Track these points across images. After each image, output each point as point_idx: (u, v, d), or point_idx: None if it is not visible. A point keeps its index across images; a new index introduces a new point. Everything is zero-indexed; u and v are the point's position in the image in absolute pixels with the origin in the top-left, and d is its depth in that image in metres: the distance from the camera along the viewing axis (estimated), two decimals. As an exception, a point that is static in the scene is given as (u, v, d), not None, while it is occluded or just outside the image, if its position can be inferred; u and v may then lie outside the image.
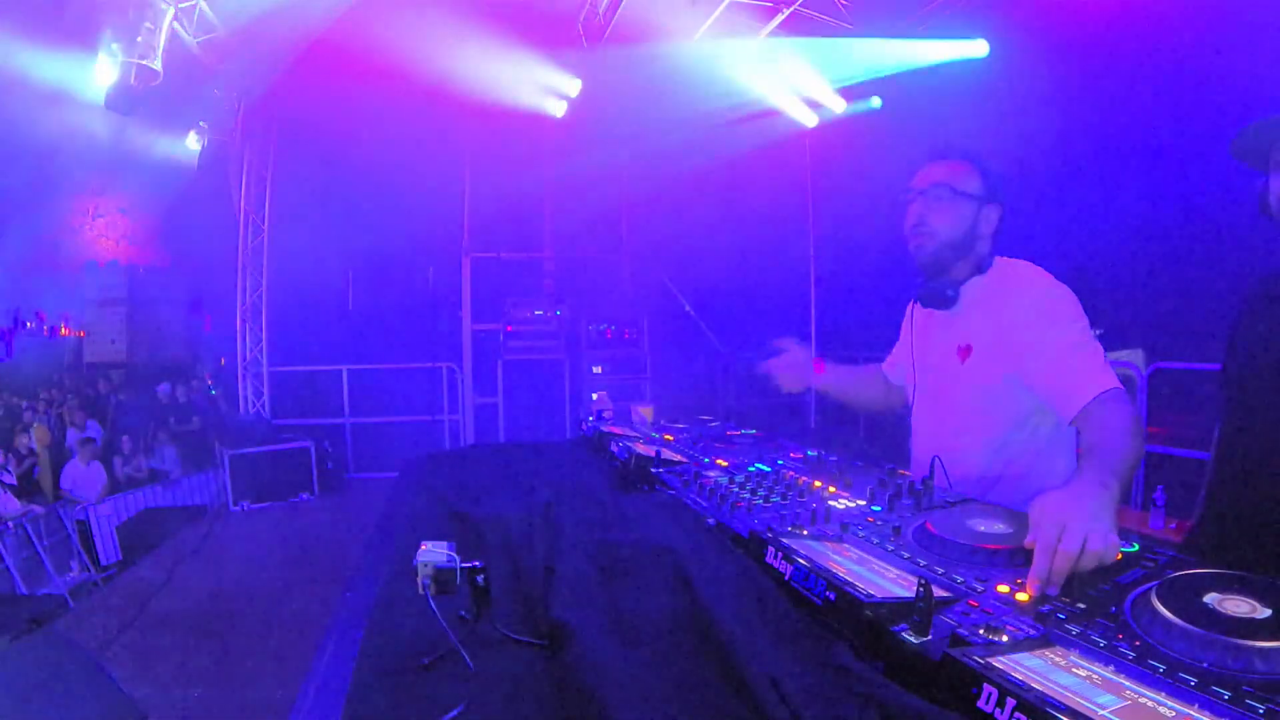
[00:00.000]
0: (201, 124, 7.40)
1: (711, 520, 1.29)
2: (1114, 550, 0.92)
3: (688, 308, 8.30)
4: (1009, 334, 1.49)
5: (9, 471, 6.37)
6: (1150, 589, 0.82)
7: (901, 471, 1.57)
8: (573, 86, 7.57)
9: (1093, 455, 1.24)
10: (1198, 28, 4.02)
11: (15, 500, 6.09)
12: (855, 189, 6.81)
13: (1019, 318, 1.47)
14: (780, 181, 8.47)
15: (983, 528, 1.08)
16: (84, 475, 6.88)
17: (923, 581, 0.80)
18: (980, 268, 1.61)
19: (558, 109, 7.83)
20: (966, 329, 1.59)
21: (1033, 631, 0.78)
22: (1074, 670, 0.69)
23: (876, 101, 7.21)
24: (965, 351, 1.58)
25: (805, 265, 8.74)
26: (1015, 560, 0.99)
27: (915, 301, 1.73)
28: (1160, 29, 4.22)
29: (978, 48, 5.65)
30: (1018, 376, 1.49)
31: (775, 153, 8.47)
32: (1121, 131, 4.51)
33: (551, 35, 6.96)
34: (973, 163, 1.61)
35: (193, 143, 7.43)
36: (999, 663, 0.69)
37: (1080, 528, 0.92)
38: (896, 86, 6.60)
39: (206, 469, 7.89)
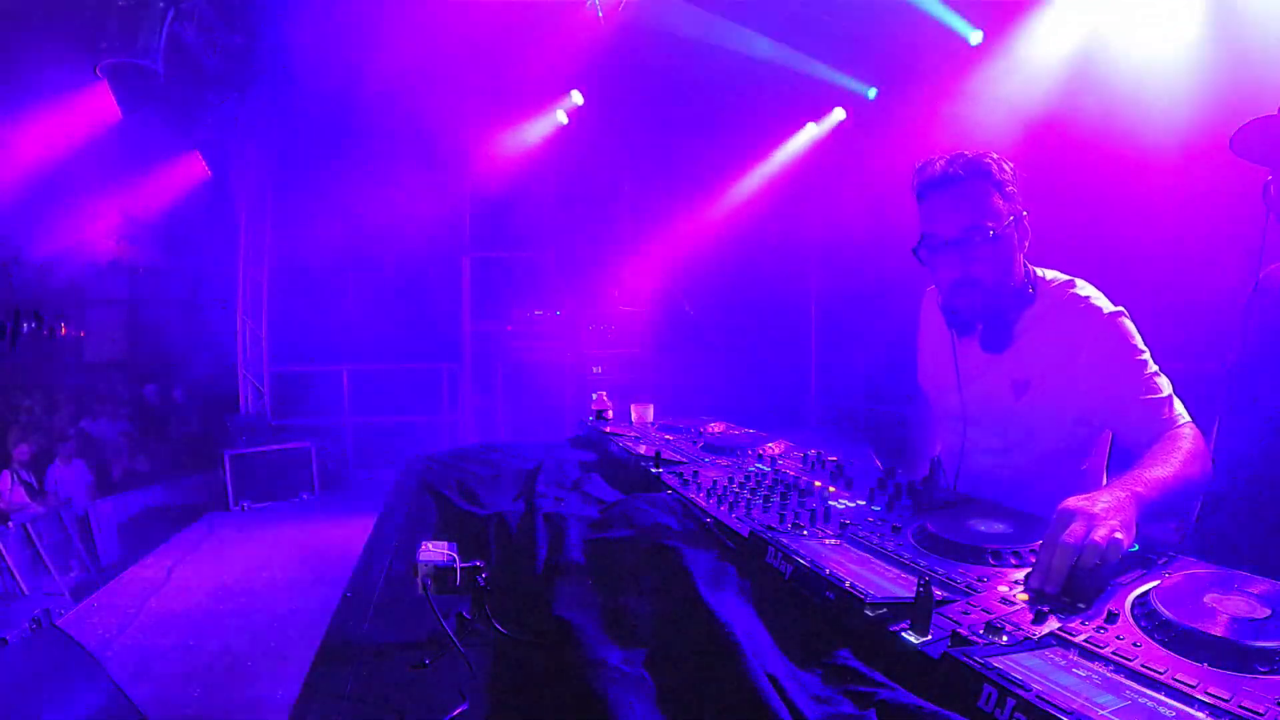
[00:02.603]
0: (198, 149, 7.45)
1: (711, 520, 1.28)
2: (1118, 548, 0.90)
3: (688, 308, 8.31)
4: (1071, 375, 1.38)
5: (27, 469, 6.40)
6: (1150, 589, 0.82)
7: (902, 471, 1.56)
8: (575, 98, 7.65)
9: (1134, 467, 1.17)
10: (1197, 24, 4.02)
11: (26, 497, 6.12)
12: (855, 186, 6.81)
13: (1080, 357, 1.37)
14: (780, 180, 8.47)
15: (983, 528, 1.08)
16: (65, 474, 6.88)
17: (923, 581, 0.80)
18: (1028, 294, 1.45)
19: (560, 118, 7.92)
20: (1020, 364, 1.46)
21: (1033, 631, 0.78)
22: (1074, 670, 0.69)
23: (871, 92, 7.23)
24: (1021, 387, 1.46)
25: (805, 264, 8.75)
26: (1015, 560, 0.99)
27: (958, 336, 1.57)
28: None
29: (973, 37, 5.63)
30: (1083, 417, 1.42)
31: (775, 151, 8.47)
32: (1120, 127, 4.50)
33: (551, 41, 6.96)
34: (989, 175, 1.40)
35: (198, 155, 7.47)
36: (999, 662, 0.69)
37: (1085, 522, 0.91)
38: (891, 80, 6.61)
39: (206, 468, 7.89)
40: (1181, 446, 1.21)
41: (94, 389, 9.22)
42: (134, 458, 8.03)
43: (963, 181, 1.41)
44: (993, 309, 1.45)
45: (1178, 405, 1.32)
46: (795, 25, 6.39)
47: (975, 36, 5.61)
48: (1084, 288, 1.44)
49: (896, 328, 2.00)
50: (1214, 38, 3.91)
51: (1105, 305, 1.40)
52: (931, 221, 1.44)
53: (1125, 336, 1.37)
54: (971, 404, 1.58)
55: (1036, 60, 4.97)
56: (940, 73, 5.84)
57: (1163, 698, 0.64)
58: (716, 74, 7.08)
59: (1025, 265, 1.47)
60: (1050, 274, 1.49)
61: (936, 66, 5.90)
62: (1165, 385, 1.34)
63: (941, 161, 1.43)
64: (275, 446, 7.13)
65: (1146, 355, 1.37)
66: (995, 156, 1.43)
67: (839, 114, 7.59)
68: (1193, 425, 1.30)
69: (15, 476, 6.27)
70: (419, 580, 0.94)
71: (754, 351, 8.31)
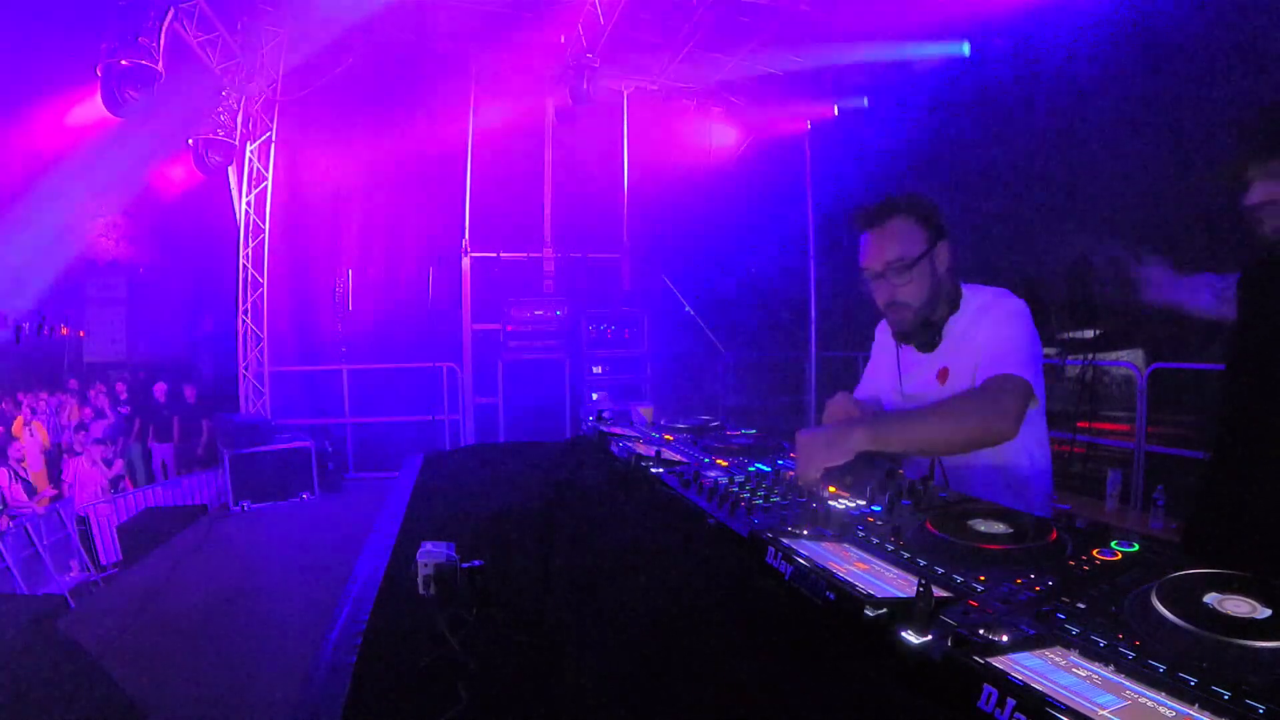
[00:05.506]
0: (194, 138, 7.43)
1: (711, 520, 1.28)
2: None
3: (688, 308, 8.32)
4: (975, 351, 1.65)
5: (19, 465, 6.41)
6: (1150, 589, 0.82)
7: (901, 472, 1.57)
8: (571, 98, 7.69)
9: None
10: (1187, 30, 4.02)
11: (23, 495, 6.12)
12: (853, 187, 6.82)
13: (979, 334, 1.64)
14: (780, 181, 8.48)
15: (983, 528, 1.08)
16: (86, 473, 6.90)
17: (923, 581, 0.80)
18: (954, 304, 1.72)
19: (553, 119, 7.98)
20: (945, 358, 1.75)
21: (1032, 631, 0.78)
22: (1074, 670, 0.69)
23: (864, 101, 7.28)
24: (944, 374, 1.74)
25: (805, 265, 8.75)
26: (1015, 560, 0.99)
27: (899, 343, 1.84)
28: (1150, 30, 4.22)
29: (960, 49, 5.68)
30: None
31: (775, 153, 8.48)
32: (1119, 129, 4.51)
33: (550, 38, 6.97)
34: (908, 212, 1.66)
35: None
36: (999, 663, 0.69)
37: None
38: (884, 85, 6.64)
39: (206, 468, 7.90)
40: (980, 396, 1.50)
41: (93, 389, 9.23)
42: (134, 458, 8.03)
43: (885, 221, 1.67)
44: (921, 321, 1.71)
45: (1026, 365, 1.53)
46: (791, 31, 6.41)
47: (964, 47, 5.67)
48: (999, 295, 1.70)
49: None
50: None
51: (1006, 301, 1.66)
52: (863, 257, 1.72)
53: (1014, 313, 1.61)
54: (908, 391, 1.84)
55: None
56: (930, 79, 5.90)
57: (1163, 697, 0.63)
58: (711, 78, 7.08)
59: (954, 282, 1.72)
60: (983, 289, 1.74)
61: (927, 73, 5.95)
62: (1031, 352, 1.56)
63: (868, 205, 1.70)
64: (275, 446, 7.12)
65: (1027, 331, 1.59)
66: (916, 195, 1.69)
67: (833, 114, 7.64)
68: (1023, 382, 1.50)
69: (14, 474, 6.28)
70: (419, 580, 0.94)
71: (754, 351, 8.31)
